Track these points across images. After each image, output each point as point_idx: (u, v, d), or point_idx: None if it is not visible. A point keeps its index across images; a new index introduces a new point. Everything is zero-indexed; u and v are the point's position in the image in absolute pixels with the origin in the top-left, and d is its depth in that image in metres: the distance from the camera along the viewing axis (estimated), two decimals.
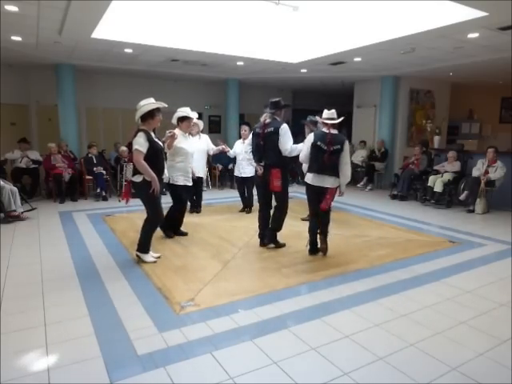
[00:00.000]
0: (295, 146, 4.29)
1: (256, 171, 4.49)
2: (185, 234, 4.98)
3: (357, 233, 5.26)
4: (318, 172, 4.04)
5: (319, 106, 12.98)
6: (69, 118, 8.45)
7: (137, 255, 4.00)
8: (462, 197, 6.92)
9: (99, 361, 2.27)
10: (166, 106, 3.87)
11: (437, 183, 7.20)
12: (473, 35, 5.69)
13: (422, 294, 3.32)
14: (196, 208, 6.31)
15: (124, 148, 8.18)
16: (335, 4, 4.73)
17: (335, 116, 4.07)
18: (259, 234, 4.64)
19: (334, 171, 4.01)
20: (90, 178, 7.58)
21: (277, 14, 5.03)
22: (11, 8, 4.74)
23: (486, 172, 6.74)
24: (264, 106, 4.45)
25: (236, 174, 6.49)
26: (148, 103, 3.81)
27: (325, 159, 3.97)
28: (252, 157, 4.80)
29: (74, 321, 2.76)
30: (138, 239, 3.98)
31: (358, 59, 7.60)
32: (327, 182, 4.03)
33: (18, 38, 6.23)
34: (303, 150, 4.20)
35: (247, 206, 6.47)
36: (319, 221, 4.23)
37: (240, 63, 8.34)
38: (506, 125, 10.83)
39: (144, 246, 4.00)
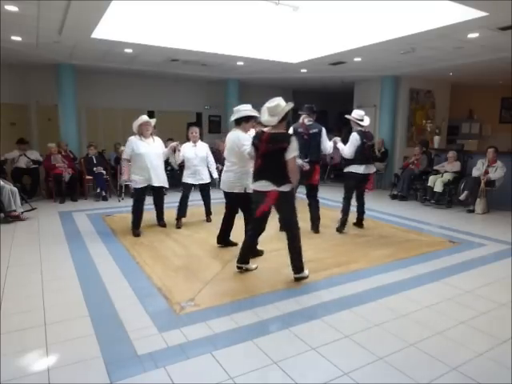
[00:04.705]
0: (330, 145, 5.14)
1: (302, 166, 4.90)
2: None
3: (357, 233, 5.26)
4: (366, 163, 5.11)
5: (319, 106, 13.13)
6: (69, 118, 8.43)
7: (299, 278, 3.50)
8: (462, 197, 6.92)
9: (99, 361, 2.27)
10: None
11: (437, 183, 7.20)
12: (473, 35, 5.69)
13: (422, 294, 3.32)
14: (160, 221, 5.44)
15: (124, 148, 8.16)
16: (335, 4, 4.74)
17: (364, 117, 5.12)
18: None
19: (371, 160, 5.26)
20: (90, 177, 7.59)
21: (277, 14, 5.03)
22: (11, 8, 4.74)
23: (486, 172, 6.74)
24: (300, 109, 5.14)
25: (189, 180, 5.46)
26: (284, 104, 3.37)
27: (367, 152, 5.12)
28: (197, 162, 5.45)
29: (74, 321, 2.76)
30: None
31: (357, 59, 7.59)
32: (371, 169, 5.20)
33: (18, 38, 6.22)
34: (349, 147, 5.06)
35: (209, 214, 5.77)
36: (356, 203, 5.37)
37: (240, 63, 8.33)
38: (506, 125, 10.81)
39: (301, 264, 3.52)
